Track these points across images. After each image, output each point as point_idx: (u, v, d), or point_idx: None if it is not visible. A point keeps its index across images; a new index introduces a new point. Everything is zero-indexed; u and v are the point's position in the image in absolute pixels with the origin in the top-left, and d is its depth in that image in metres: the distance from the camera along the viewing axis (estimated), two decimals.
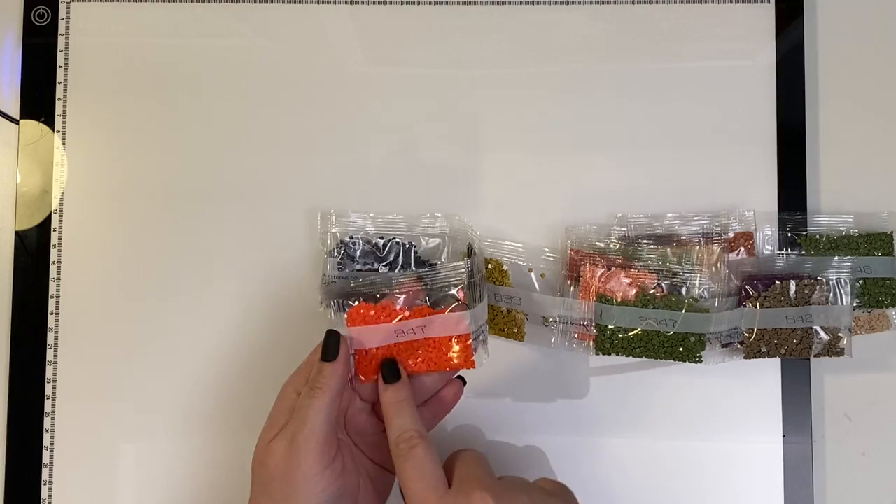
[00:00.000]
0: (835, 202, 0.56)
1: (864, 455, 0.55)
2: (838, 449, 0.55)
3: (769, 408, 0.54)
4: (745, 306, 0.52)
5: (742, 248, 0.54)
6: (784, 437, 0.54)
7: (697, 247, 0.54)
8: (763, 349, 0.53)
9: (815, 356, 0.53)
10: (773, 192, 0.56)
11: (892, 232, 0.55)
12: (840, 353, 0.52)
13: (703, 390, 0.55)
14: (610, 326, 0.51)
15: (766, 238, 0.55)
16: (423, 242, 0.54)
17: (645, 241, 0.54)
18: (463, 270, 0.49)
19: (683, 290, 0.52)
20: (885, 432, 0.55)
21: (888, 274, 0.54)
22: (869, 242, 0.54)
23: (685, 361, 0.52)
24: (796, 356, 0.53)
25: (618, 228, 0.55)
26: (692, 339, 0.51)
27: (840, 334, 0.52)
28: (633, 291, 0.52)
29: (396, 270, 0.53)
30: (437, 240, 0.54)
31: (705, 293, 0.52)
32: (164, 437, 0.55)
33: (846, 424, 0.55)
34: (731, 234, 0.54)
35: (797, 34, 0.57)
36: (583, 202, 0.56)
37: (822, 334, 0.52)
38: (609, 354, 0.52)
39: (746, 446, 0.55)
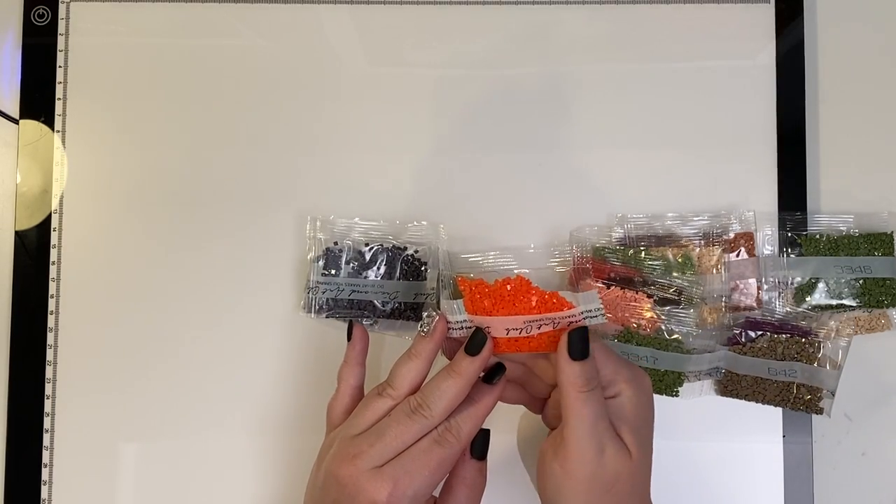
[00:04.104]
0: (835, 202, 0.56)
1: (864, 455, 0.55)
2: (838, 449, 0.55)
3: (769, 408, 0.54)
4: (728, 349, 0.53)
5: (742, 249, 0.54)
6: (784, 437, 0.54)
7: (698, 248, 0.54)
8: (741, 392, 0.53)
9: (791, 408, 0.53)
10: (773, 192, 0.56)
11: (892, 232, 0.54)
12: (819, 411, 0.53)
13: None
14: None
15: (767, 238, 0.55)
16: (409, 250, 0.54)
17: (644, 244, 0.54)
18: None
19: (671, 327, 0.52)
20: (885, 432, 0.55)
21: (888, 274, 0.54)
22: (869, 242, 0.54)
23: (662, 395, 0.53)
24: (773, 405, 0.53)
25: (618, 229, 0.55)
26: (671, 375, 0.52)
27: (820, 395, 0.53)
28: (626, 314, 0.52)
29: (380, 278, 0.53)
30: (423, 247, 0.54)
31: (691, 335, 0.53)
32: (164, 437, 0.55)
33: (846, 424, 0.55)
34: (731, 235, 0.54)
35: (797, 34, 0.57)
36: (583, 202, 0.56)
37: (803, 391, 0.53)
38: None
39: (746, 446, 0.55)
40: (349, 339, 0.48)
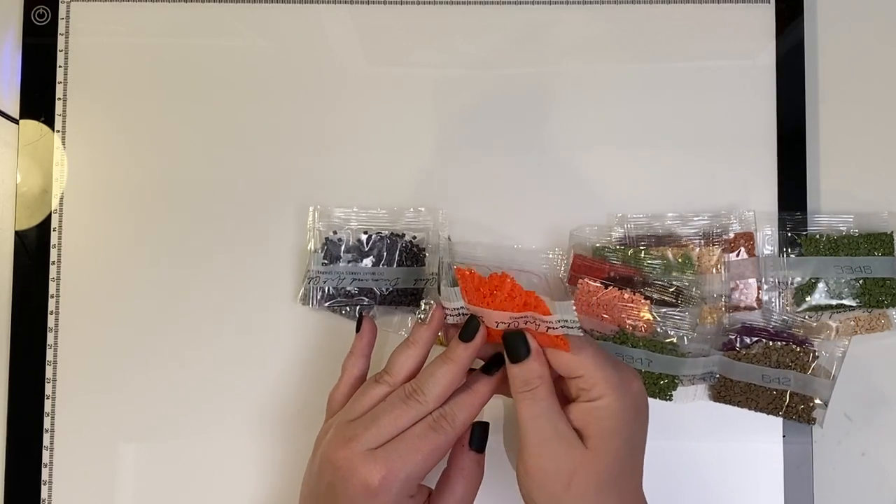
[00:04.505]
0: (835, 202, 0.56)
1: (864, 455, 0.55)
2: (838, 449, 0.55)
3: None
4: (723, 354, 0.53)
5: (742, 249, 0.54)
6: (784, 437, 0.54)
7: (698, 248, 0.54)
8: (734, 399, 0.53)
9: (783, 416, 0.53)
10: (773, 192, 0.56)
11: (892, 232, 0.54)
12: (811, 421, 0.53)
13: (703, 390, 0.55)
14: None
15: (767, 238, 0.55)
16: (408, 236, 0.54)
17: (644, 244, 0.54)
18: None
19: (666, 329, 0.52)
20: (885, 432, 0.55)
21: (888, 274, 0.54)
22: (869, 242, 0.54)
23: (656, 398, 0.53)
24: (765, 413, 0.53)
25: (618, 229, 0.55)
26: (665, 379, 0.52)
27: (813, 405, 0.53)
28: (622, 315, 0.52)
29: (380, 265, 0.53)
30: (422, 234, 0.54)
31: (686, 338, 0.52)
32: (164, 437, 0.55)
33: (846, 424, 0.55)
34: (731, 235, 0.54)
35: (797, 34, 0.57)
36: (583, 202, 0.56)
37: (796, 401, 0.53)
38: None
39: (746, 446, 0.55)
40: (358, 330, 0.49)
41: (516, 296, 0.43)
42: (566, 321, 0.42)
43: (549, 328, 0.43)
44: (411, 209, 0.55)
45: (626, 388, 0.43)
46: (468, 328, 0.44)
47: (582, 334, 0.42)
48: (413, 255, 0.54)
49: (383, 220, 0.55)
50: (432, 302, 0.45)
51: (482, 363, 0.46)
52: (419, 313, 0.45)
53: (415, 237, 0.54)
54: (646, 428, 0.45)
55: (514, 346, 0.43)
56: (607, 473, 0.42)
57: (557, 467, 0.42)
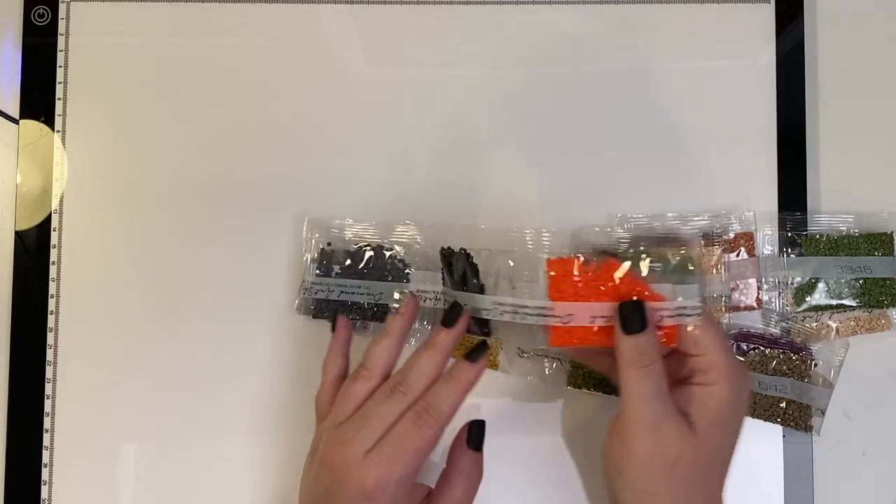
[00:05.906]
0: (835, 202, 0.56)
1: (864, 455, 0.55)
2: (838, 449, 0.55)
3: None
4: None
5: (742, 249, 0.54)
6: (784, 437, 0.54)
7: (698, 248, 0.54)
8: None
9: (781, 423, 0.53)
10: (773, 192, 0.56)
11: (892, 232, 0.54)
12: (808, 429, 0.53)
13: None
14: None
15: (767, 238, 0.55)
16: (393, 251, 0.54)
17: (644, 244, 0.54)
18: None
19: None
20: (885, 432, 0.55)
21: (888, 274, 0.54)
22: (869, 242, 0.54)
23: None
24: (762, 420, 0.53)
25: (618, 229, 0.55)
26: None
27: (811, 412, 0.53)
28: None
29: (368, 279, 0.53)
30: (411, 247, 0.54)
31: None
32: (164, 437, 0.55)
33: (846, 424, 0.55)
34: (731, 235, 0.54)
35: (797, 34, 0.57)
36: (583, 202, 0.56)
37: (793, 408, 0.53)
38: (580, 389, 0.53)
39: (746, 446, 0.54)
40: (333, 329, 0.49)
41: (626, 284, 0.40)
42: (684, 309, 0.39)
43: (662, 317, 0.40)
44: (401, 223, 0.54)
45: (739, 380, 0.42)
46: (451, 313, 0.44)
47: (702, 323, 0.40)
48: (397, 270, 0.53)
49: (375, 233, 0.54)
50: (406, 291, 0.45)
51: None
52: (394, 303, 0.45)
53: (400, 251, 0.54)
54: (742, 427, 0.44)
55: (631, 315, 0.41)
56: (706, 463, 0.42)
57: (665, 450, 0.41)
